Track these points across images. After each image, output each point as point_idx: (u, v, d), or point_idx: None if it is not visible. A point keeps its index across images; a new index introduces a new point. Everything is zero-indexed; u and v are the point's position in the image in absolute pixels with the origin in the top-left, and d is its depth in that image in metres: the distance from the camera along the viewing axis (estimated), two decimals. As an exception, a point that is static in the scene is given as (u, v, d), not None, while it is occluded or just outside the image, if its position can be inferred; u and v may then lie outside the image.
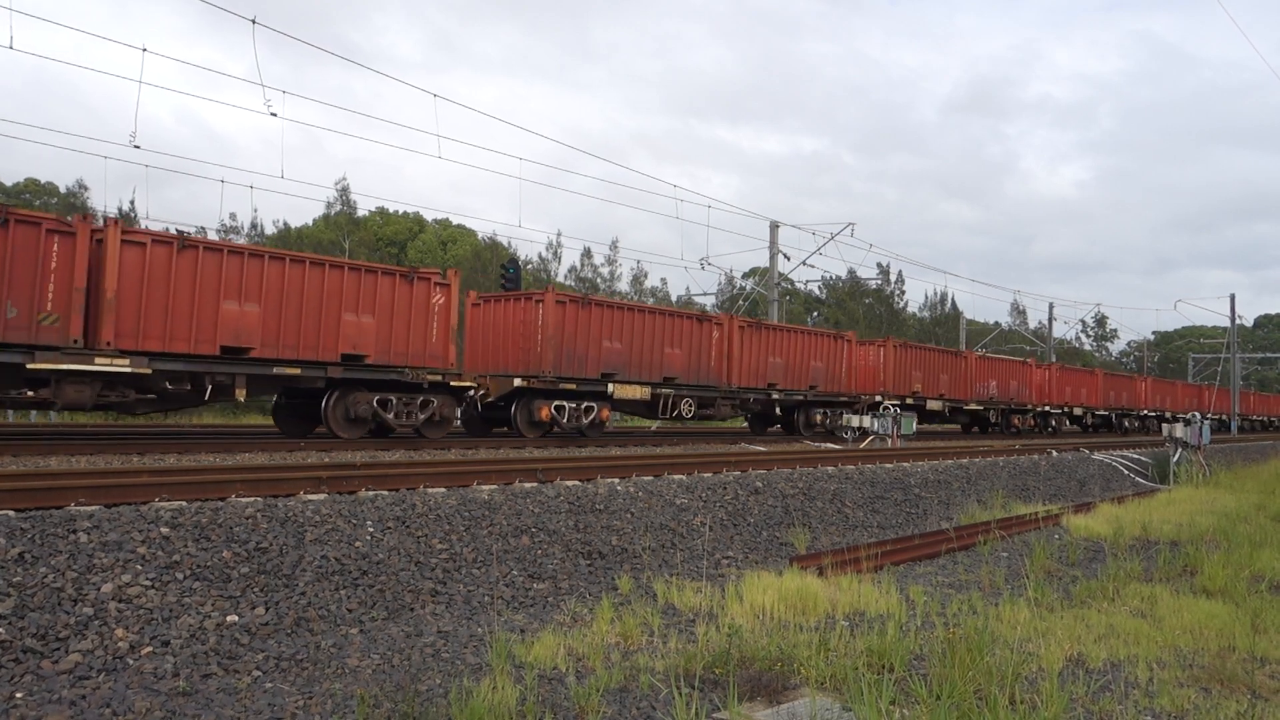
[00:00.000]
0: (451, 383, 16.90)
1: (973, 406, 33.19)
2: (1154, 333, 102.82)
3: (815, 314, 73.99)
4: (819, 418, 26.57)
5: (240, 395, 14.51)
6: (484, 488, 10.12)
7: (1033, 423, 37.53)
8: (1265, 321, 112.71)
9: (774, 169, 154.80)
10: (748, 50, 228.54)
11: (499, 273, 27.67)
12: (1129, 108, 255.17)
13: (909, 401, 29.08)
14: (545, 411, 18.71)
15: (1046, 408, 38.16)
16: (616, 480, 11.69)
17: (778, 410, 26.87)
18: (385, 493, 9.31)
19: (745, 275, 68.96)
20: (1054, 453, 23.52)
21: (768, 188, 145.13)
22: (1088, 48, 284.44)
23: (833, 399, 27.02)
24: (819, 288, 70.08)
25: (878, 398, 27.63)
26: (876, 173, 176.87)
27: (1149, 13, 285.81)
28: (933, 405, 30.86)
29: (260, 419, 30.12)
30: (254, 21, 16.06)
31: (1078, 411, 40.24)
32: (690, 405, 22.36)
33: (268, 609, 6.78)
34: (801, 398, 26.02)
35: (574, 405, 19.56)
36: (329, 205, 57.27)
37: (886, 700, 4.86)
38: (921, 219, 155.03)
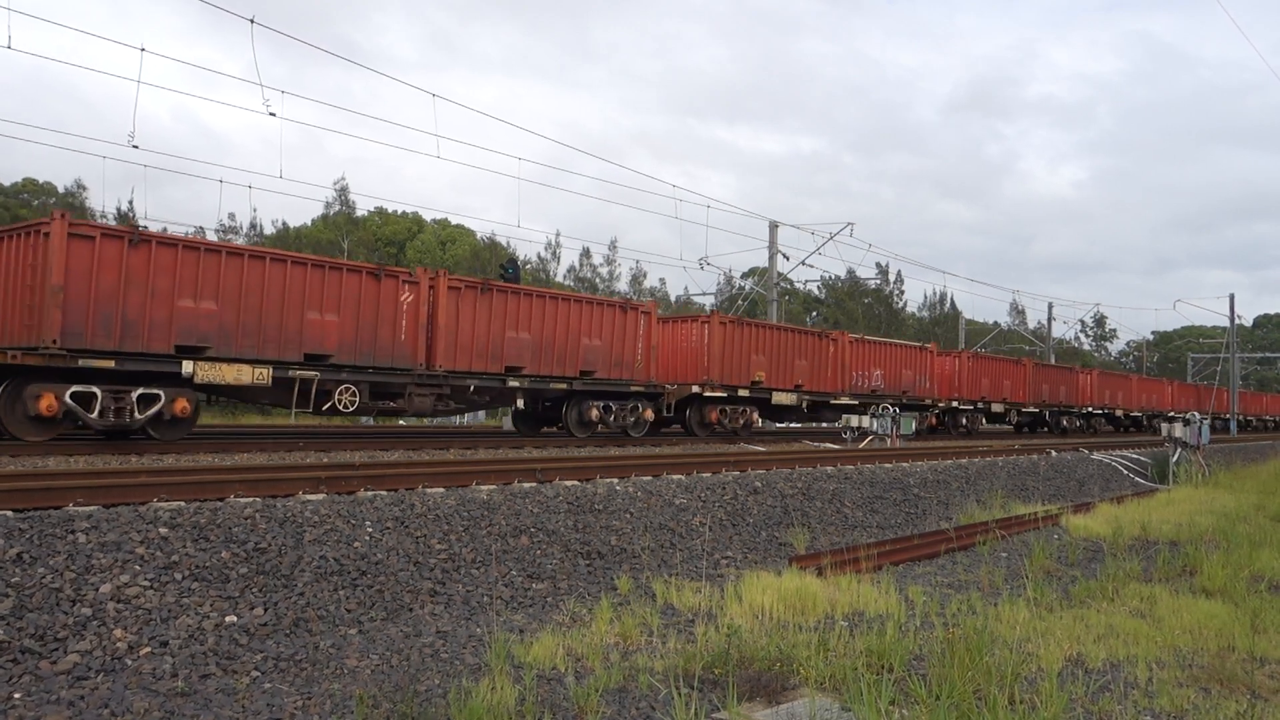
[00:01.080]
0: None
1: (843, 400, 26.29)
2: (1153, 333, 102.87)
3: (814, 314, 74.01)
4: (595, 412, 19.65)
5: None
6: (483, 488, 10.11)
7: (934, 421, 31.01)
8: (1264, 321, 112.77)
9: (772, 168, 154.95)
10: (746, 50, 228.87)
11: (498, 273, 27.67)
12: (1128, 108, 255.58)
13: (743, 394, 23.07)
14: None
15: (955, 403, 31.62)
16: (615, 480, 11.68)
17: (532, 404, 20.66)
18: (384, 493, 9.30)
19: (744, 275, 69.00)
20: (1053, 453, 23.52)
21: (766, 187, 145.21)
22: (1086, 48, 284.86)
23: (620, 387, 20.45)
24: (818, 288, 70.12)
25: (695, 388, 21.91)
26: (875, 172, 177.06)
27: (1147, 13, 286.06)
28: (781, 398, 24.23)
29: (260, 419, 30.06)
30: (253, 21, 16.05)
31: (997, 408, 33.87)
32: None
33: (266, 609, 6.77)
34: (567, 386, 19.33)
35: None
36: (328, 205, 57.30)
37: (886, 700, 4.85)
38: (920, 219, 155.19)
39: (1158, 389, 51.03)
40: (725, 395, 22.46)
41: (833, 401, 26.14)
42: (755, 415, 24.10)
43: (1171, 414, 48.22)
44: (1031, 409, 36.41)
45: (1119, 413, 44.46)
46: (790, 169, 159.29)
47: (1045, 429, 38.81)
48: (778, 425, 31.83)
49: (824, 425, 28.89)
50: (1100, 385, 42.74)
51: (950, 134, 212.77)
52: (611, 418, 19.86)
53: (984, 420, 34.01)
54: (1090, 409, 41.39)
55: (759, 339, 23.82)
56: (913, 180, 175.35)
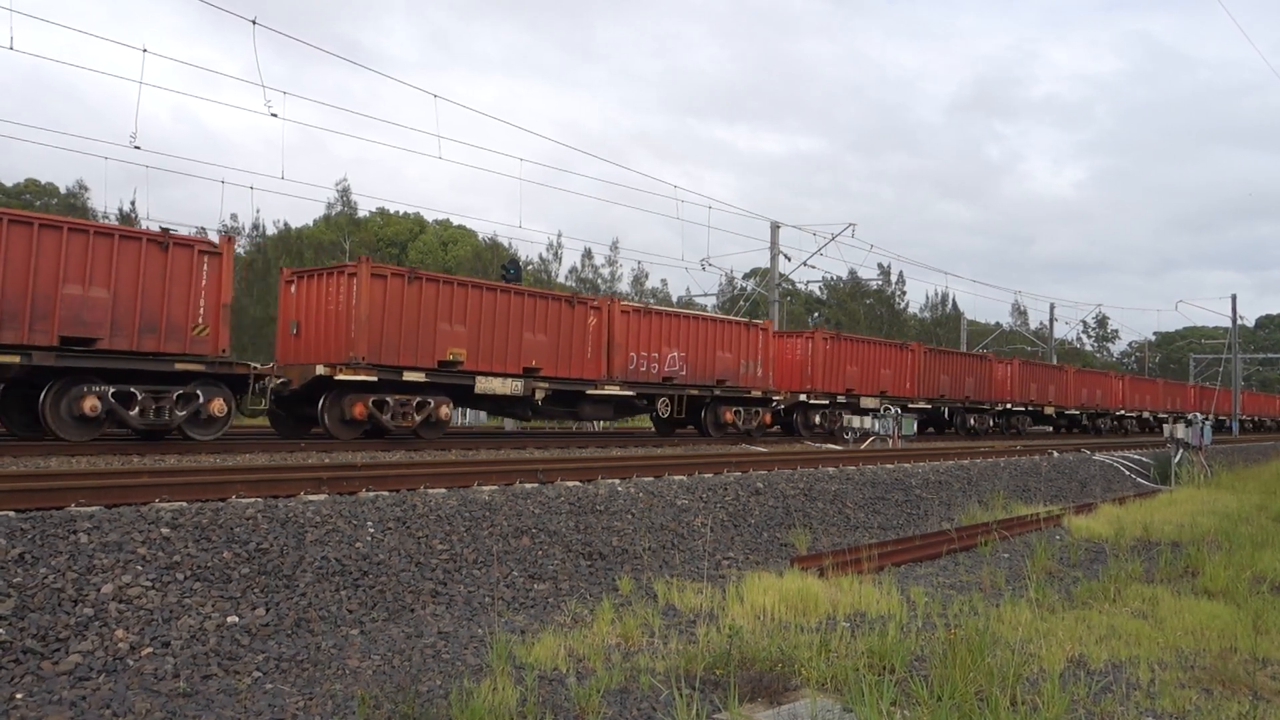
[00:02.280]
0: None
1: (662, 396, 21.80)
2: (1155, 333, 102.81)
3: (816, 314, 73.99)
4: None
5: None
6: (485, 488, 10.12)
7: (768, 419, 24.78)
8: (1266, 322, 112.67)
9: (772, 169, 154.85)
10: (746, 50, 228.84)
11: (499, 273, 27.67)
12: (1128, 108, 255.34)
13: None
14: None
15: (805, 396, 25.93)
16: (617, 481, 11.68)
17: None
18: (386, 493, 9.31)
19: (746, 276, 68.98)
20: (1055, 454, 23.51)
21: (766, 187, 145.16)
22: (1085, 48, 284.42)
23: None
24: (820, 289, 70.10)
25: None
26: (875, 173, 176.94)
27: (1147, 13, 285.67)
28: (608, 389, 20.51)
29: (260, 420, 29.97)
30: (254, 22, 16.06)
31: (870, 403, 27.33)
32: None
33: (268, 610, 6.77)
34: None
35: None
36: (329, 206, 57.35)
37: (887, 701, 4.85)
38: (920, 219, 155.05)
39: (1101, 384, 43.49)
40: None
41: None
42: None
43: (1121, 412, 44.20)
44: (922, 405, 29.95)
45: (1050, 409, 37.64)
46: (790, 169, 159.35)
47: (950, 429, 33.15)
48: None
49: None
50: (1023, 377, 36.22)
51: (949, 134, 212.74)
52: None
53: (856, 420, 26.00)
54: (1009, 405, 35.25)
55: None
56: (912, 180, 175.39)
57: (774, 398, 24.48)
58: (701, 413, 22.84)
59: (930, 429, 33.55)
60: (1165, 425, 24.75)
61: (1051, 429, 42.41)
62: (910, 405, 29.01)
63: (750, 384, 23.79)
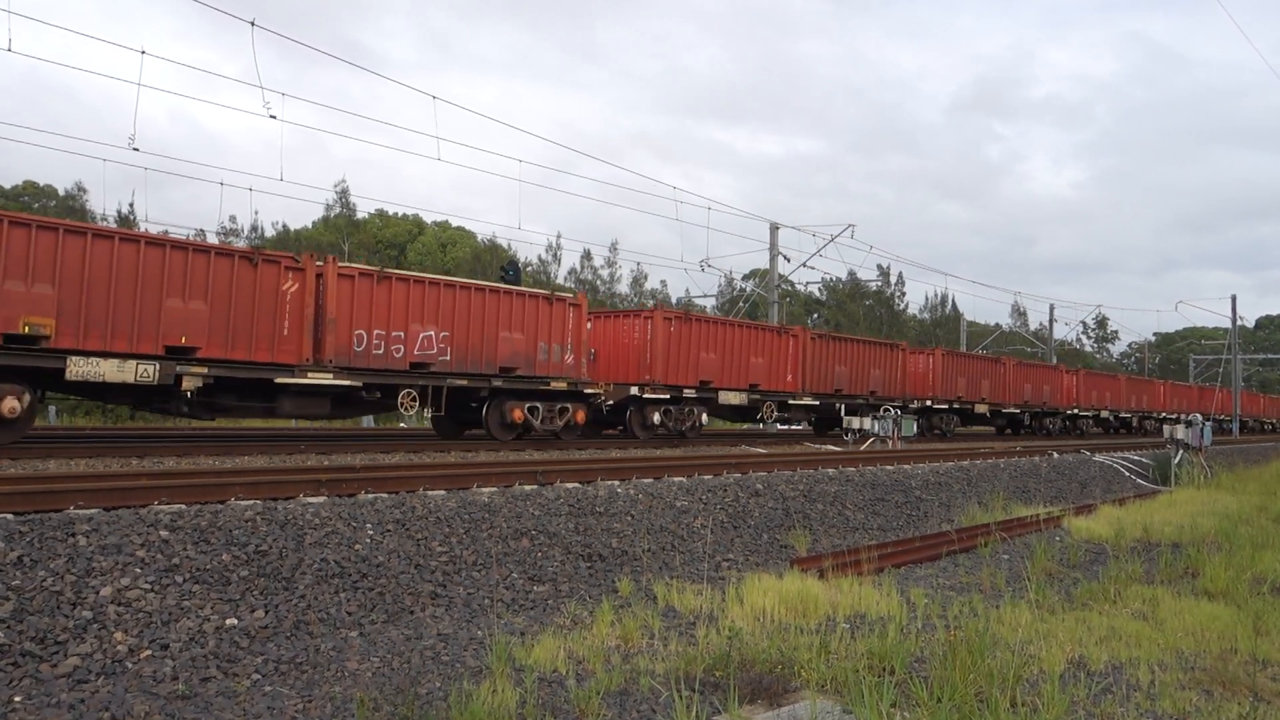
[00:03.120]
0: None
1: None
2: (1155, 334, 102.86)
3: (815, 315, 74.01)
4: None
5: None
6: (484, 490, 10.11)
7: (581, 418, 19.66)
8: (1266, 323, 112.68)
9: (771, 169, 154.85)
10: (744, 50, 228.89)
11: (498, 275, 27.67)
12: (1126, 108, 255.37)
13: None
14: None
15: (637, 390, 21.02)
16: (617, 482, 11.68)
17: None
18: (385, 495, 9.30)
19: (745, 277, 68.98)
20: (1055, 454, 23.51)
21: (765, 188, 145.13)
22: (1084, 49, 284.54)
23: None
24: (819, 290, 70.09)
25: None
26: (873, 173, 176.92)
27: (1144, 14, 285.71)
28: (315, 378, 16.39)
29: (259, 422, 29.98)
30: (253, 24, 16.06)
31: (734, 398, 22.98)
32: None
33: (267, 612, 6.76)
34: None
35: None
36: (328, 207, 57.36)
37: (887, 703, 4.84)
38: (919, 219, 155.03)
39: (1049, 379, 37.83)
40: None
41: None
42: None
43: (1075, 410, 38.38)
44: (808, 401, 25.28)
45: (982, 408, 32.94)
46: (789, 170, 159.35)
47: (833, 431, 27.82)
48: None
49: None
50: (949, 370, 31.31)
51: (949, 135, 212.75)
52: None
53: (703, 415, 22.90)
54: (930, 402, 30.19)
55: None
56: (911, 181, 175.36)
57: (589, 390, 19.26)
58: (484, 409, 17.83)
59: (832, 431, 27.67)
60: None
61: (995, 429, 37.49)
62: (793, 402, 24.63)
63: (552, 373, 18.58)
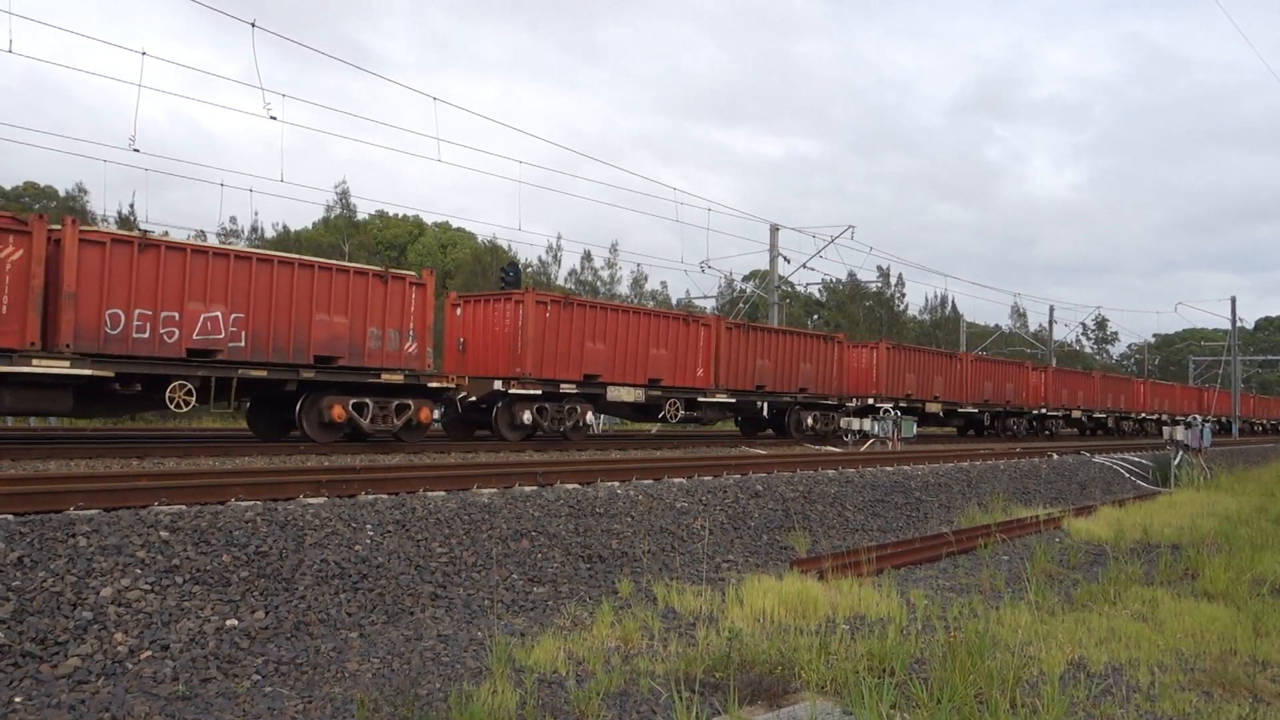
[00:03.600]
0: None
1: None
2: (1155, 335, 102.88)
3: (815, 316, 74.01)
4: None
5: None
6: (484, 491, 10.11)
7: (426, 417, 17.48)
8: (1266, 324, 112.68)
9: (770, 171, 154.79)
10: (743, 51, 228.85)
11: (499, 276, 27.68)
12: (1126, 110, 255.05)
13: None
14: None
15: (501, 384, 18.39)
16: (616, 483, 11.68)
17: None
18: (385, 496, 9.30)
19: (746, 278, 68.98)
20: (1055, 455, 23.52)
21: (764, 189, 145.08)
22: (1082, 50, 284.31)
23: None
24: (819, 291, 70.11)
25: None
26: (872, 174, 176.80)
27: (1141, 15, 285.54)
28: (45, 366, 14.14)
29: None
30: (253, 25, 16.07)
31: (627, 395, 20.43)
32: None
33: (267, 613, 6.76)
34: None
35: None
36: (329, 208, 57.36)
37: (887, 704, 4.84)
38: (918, 220, 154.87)
39: (1014, 377, 35.55)
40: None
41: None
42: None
43: (1043, 409, 35.30)
44: (721, 399, 22.69)
45: (934, 407, 30.67)
46: (788, 171, 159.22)
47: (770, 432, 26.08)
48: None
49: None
50: (894, 366, 29.05)
51: (948, 136, 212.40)
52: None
53: (588, 414, 20.34)
54: (874, 400, 27.69)
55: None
56: (910, 182, 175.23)
57: (435, 385, 16.68)
58: (297, 406, 15.23)
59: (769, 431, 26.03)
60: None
61: (955, 430, 34.96)
62: (703, 399, 22.12)
63: (388, 363, 16.00)
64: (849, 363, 27.73)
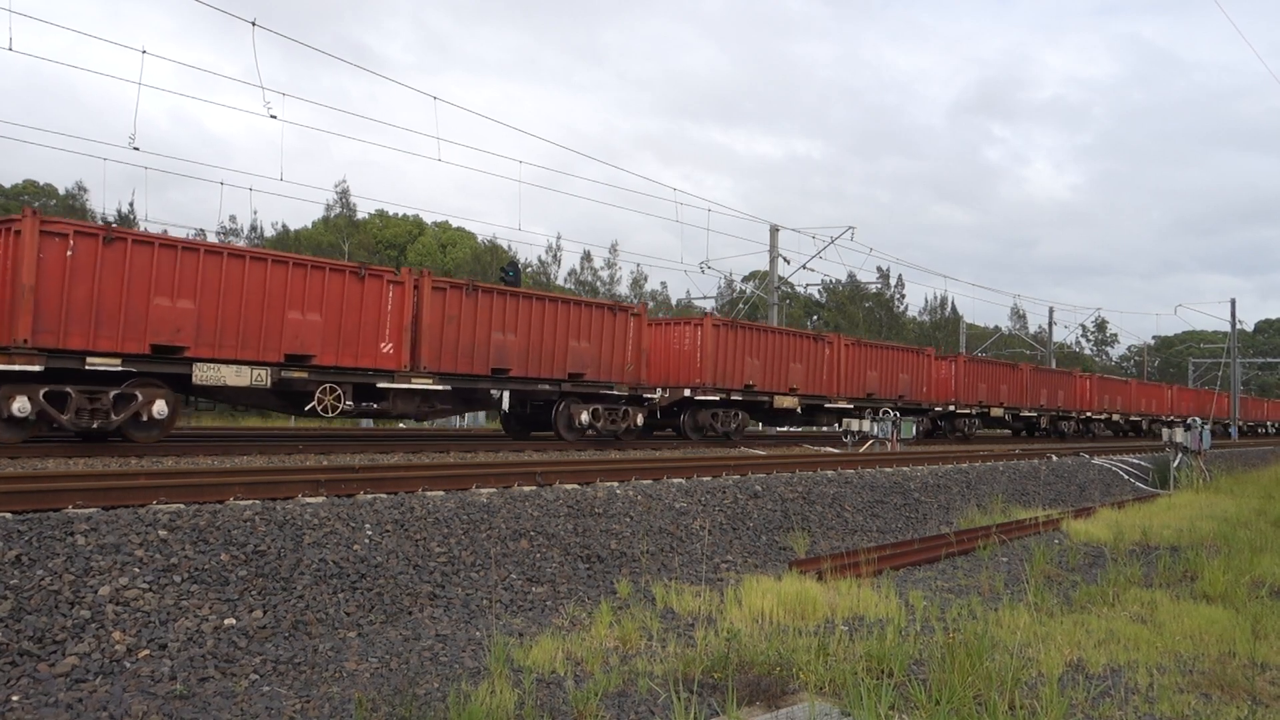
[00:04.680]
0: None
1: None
2: (1154, 337, 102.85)
3: (815, 317, 74.03)
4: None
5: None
6: (483, 491, 10.10)
7: None
8: (1266, 326, 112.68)
9: (769, 171, 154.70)
10: (742, 52, 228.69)
11: (498, 276, 27.66)
12: (1124, 111, 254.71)
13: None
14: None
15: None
16: (615, 484, 11.67)
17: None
18: (384, 496, 9.29)
19: (746, 279, 68.99)
20: (1054, 457, 23.52)
21: (763, 190, 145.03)
22: (1079, 52, 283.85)
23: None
24: (819, 292, 70.12)
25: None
26: (871, 176, 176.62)
27: (1137, 17, 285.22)
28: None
29: (259, 422, 30.03)
30: (254, 24, 16.06)
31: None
32: None
33: (265, 612, 6.76)
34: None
35: None
36: (328, 208, 57.36)
37: (886, 705, 4.84)
38: (917, 222, 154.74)
39: (922, 372, 30.02)
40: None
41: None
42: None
43: (952, 406, 30.48)
44: (433, 386, 16.45)
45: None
46: (788, 172, 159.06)
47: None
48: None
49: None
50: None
51: (946, 138, 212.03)
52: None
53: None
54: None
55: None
56: (909, 183, 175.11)
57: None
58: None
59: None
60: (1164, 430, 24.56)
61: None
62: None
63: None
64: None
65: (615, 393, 19.26)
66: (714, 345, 21.75)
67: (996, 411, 33.97)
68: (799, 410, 24.47)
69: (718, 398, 21.79)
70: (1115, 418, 43.86)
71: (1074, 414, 39.64)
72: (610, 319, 19.55)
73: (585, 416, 18.49)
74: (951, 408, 31.36)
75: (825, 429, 27.06)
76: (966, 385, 32.10)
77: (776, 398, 23.49)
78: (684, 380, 21.65)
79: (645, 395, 20.20)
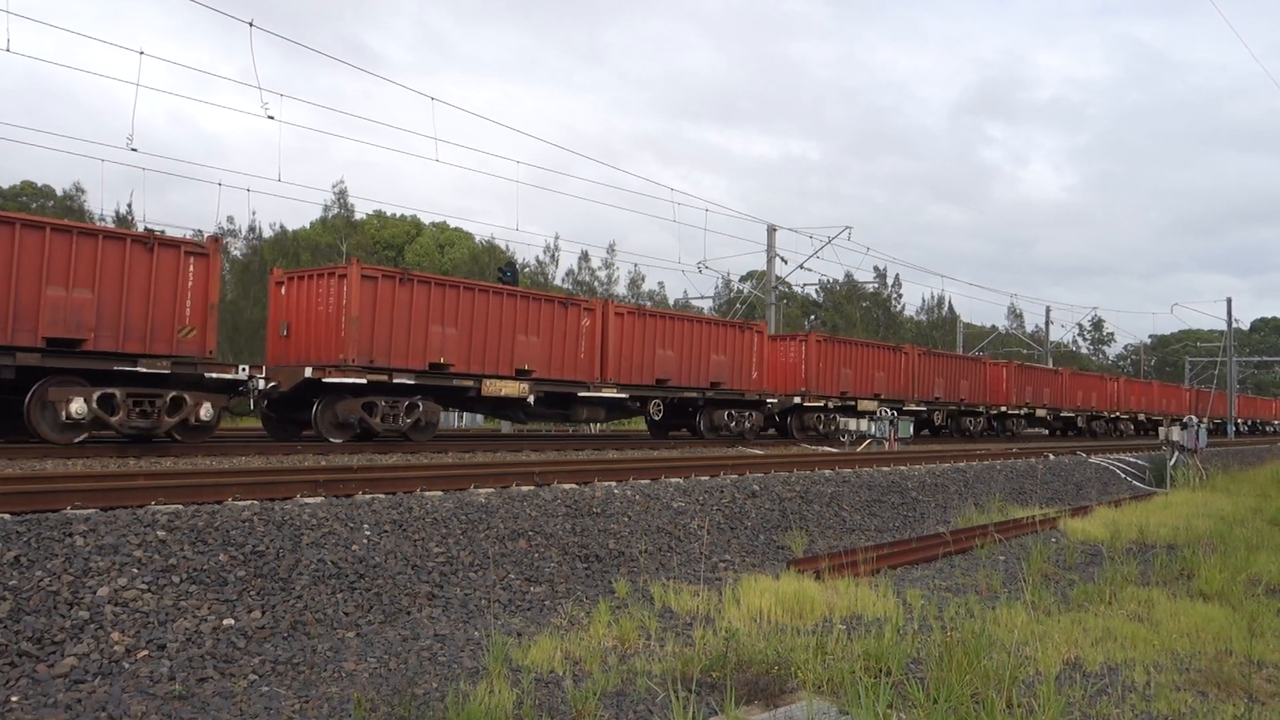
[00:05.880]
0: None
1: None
2: (1151, 336, 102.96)
3: (813, 317, 74.03)
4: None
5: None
6: (481, 491, 10.11)
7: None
8: (1261, 325, 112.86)
9: (766, 171, 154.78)
10: (740, 52, 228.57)
11: (496, 276, 27.66)
12: (1121, 112, 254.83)
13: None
14: None
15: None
16: (614, 483, 11.68)
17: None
18: (382, 496, 9.30)
19: (743, 278, 68.98)
20: (1051, 456, 23.55)
21: (760, 190, 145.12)
22: (1076, 53, 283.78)
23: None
24: (816, 291, 70.12)
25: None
26: (868, 176, 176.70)
27: (1133, 18, 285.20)
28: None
29: (255, 422, 29.90)
30: (251, 24, 16.04)
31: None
32: None
33: (264, 612, 6.76)
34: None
35: None
36: (326, 208, 57.32)
37: (884, 704, 4.85)
38: (914, 222, 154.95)
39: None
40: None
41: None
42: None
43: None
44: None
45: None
46: (785, 172, 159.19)
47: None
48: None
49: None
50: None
51: (944, 138, 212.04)
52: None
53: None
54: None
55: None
56: (906, 183, 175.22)
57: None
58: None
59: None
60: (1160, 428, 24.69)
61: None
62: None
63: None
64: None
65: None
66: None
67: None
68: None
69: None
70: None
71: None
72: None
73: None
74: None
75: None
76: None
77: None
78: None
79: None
